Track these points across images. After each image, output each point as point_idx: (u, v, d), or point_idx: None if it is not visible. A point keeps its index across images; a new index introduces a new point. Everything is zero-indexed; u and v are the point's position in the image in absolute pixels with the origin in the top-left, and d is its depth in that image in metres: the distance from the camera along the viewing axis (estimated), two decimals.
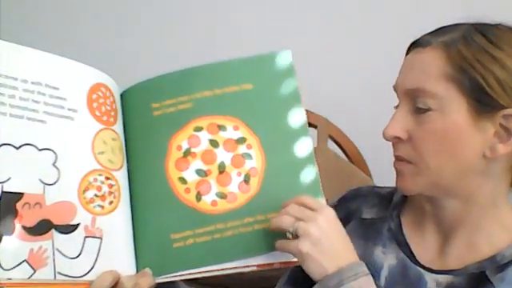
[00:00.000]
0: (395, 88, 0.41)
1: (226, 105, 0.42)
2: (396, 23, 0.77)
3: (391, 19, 0.82)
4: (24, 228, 0.33)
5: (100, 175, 0.38)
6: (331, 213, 0.37)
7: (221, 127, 0.41)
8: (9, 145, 0.34)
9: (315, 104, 0.71)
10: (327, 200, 0.41)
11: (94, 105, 0.39)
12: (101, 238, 0.36)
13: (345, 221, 0.43)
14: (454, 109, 0.37)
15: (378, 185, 0.54)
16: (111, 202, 0.38)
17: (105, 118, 0.40)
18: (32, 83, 0.36)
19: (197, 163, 0.40)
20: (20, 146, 0.35)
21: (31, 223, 0.33)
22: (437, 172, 0.39)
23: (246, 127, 0.42)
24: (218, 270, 0.39)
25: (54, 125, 0.36)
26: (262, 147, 0.41)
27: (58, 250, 0.34)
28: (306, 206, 0.37)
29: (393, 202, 0.46)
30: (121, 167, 0.40)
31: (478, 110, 0.37)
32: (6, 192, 0.33)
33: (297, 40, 0.81)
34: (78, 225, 0.35)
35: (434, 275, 0.40)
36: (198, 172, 0.40)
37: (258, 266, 0.39)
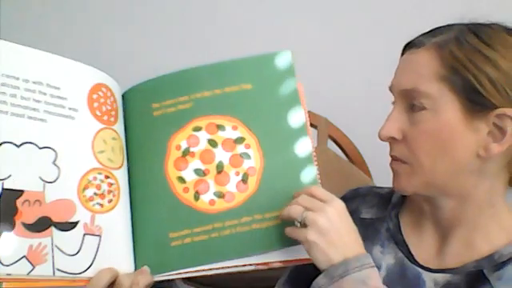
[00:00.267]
0: (390, 88, 0.42)
1: (225, 105, 0.42)
2: (396, 23, 0.77)
3: (391, 19, 0.82)
4: (24, 225, 0.33)
5: (100, 174, 0.38)
6: (340, 204, 0.37)
7: (220, 127, 0.42)
8: (10, 143, 0.35)
9: (315, 104, 0.71)
10: None
11: (95, 104, 0.40)
12: (100, 236, 0.37)
13: None
14: (448, 109, 0.38)
15: (378, 185, 0.54)
16: (110, 201, 0.38)
17: (105, 118, 0.40)
18: (33, 83, 0.37)
19: (195, 163, 0.41)
20: (21, 144, 0.35)
21: (31, 220, 0.34)
22: (431, 172, 0.39)
23: (244, 127, 0.42)
24: (216, 269, 0.39)
25: (54, 124, 0.37)
26: (260, 147, 0.41)
27: (57, 246, 0.34)
28: (316, 197, 0.37)
29: (392, 202, 0.47)
30: (121, 166, 0.40)
31: (471, 109, 0.37)
32: (6, 189, 0.33)
33: (297, 40, 0.82)
34: (77, 222, 0.36)
35: (432, 274, 0.40)
36: (197, 171, 0.41)
37: (255, 265, 0.39)
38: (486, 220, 0.40)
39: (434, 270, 0.40)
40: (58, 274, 0.34)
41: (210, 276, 0.40)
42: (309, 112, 0.75)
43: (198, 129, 0.42)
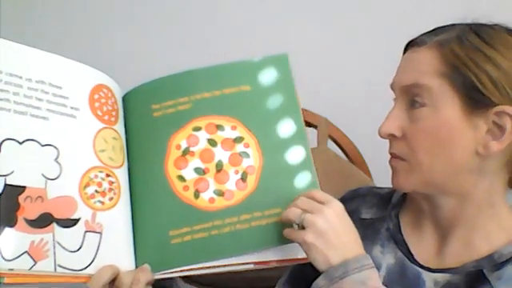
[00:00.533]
0: (392, 86, 0.42)
1: (224, 105, 0.43)
2: (396, 23, 0.77)
3: (391, 19, 0.82)
4: (25, 220, 0.34)
5: (101, 172, 0.39)
6: (339, 205, 0.37)
7: (219, 127, 0.42)
8: (12, 140, 0.35)
9: (315, 104, 0.72)
10: None
11: (96, 104, 0.40)
12: (101, 233, 0.37)
13: None
14: (447, 106, 0.38)
15: (378, 185, 0.54)
16: (111, 199, 0.39)
17: (106, 118, 0.41)
18: (36, 82, 0.37)
19: (195, 162, 0.41)
20: (23, 141, 0.36)
21: (33, 216, 0.34)
22: (429, 169, 0.39)
23: (243, 127, 0.42)
24: (215, 267, 0.39)
25: (56, 122, 0.38)
26: (259, 146, 0.42)
27: (58, 243, 0.35)
28: (315, 198, 0.38)
29: (392, 203, 0.47)
30: (121, 165, 0.41)
31: (471, 107, 0.37)
32: (8, 185, 0.34)
33: (297, 40, 0.82)
34: (78, 219, 0.36)
35: (431, 274, 0.40)
36: (197, 170, 0.41)
37: (255, 263, 0.40)
38: (486, 220, 0.40)
39: (433, 269, 0.40)
40: (59, 270, 0.34)
41: (210, 275, 0.40)
42: (309, 112, 0.75)
43: (197, 129, 0.42)
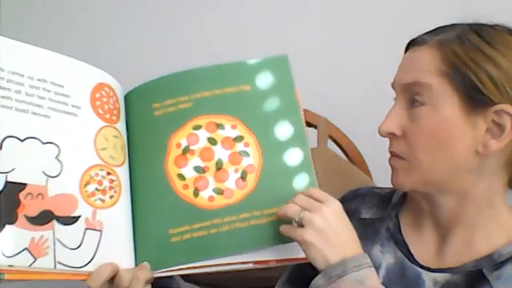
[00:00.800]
0: (393, 85, 0.42)
1: (224, 104, 0.43)
2: (396, 23, 0.77)
3: (391, 19, 0.82)
4: (26, 217, 0.34)
5: (101, 170, 0.39)
6: (337, 205, 0.37)
7: (219, 126, 0.42)
8: (14, 137, 0.35)
9: (315, 104, 0.72)
10: None
11: (97, 103, 0.40)
12: (101, 231, 0.37)
13: None
14: (447, 104, 0.38)
15: (378, 185, 0.54)
16: (112, 197, 0.39)
17: (107, 116, 0.41)
18: (38, 80, 0.38)
19: (195, 160, 0.41)
20: (24, 139, 0.36)
21: (33, 213, 0.34)
22: (429, 168, 0.39)
23: (243, 126, 0.42)
24: (215, 266, 0.39)
25: (57, 120, 0.38)
26: (259, 145, 0.42)
27: (58, 240, 0.35)
28: (313, 197, 0.38)
29: (392, 203, 0.47)
30: (122, 164, 0.41)
31: (471, 106, 0.37)
32: (9, 182, 0.34)
33: (297, 40, 0.82)
34: (78, 217, 0.36)
35: (431, 274, 0.40)
36: (196, 169, 0.41)
37: (254, 262, 0.40)
38: (486, 219, 0.40)
39: (433, 269, 0.40)
40: (59, 267, 0.35)
41: (210, 274, 0.40)
42: (309, 112, 0.76)
43: (197, 127, 0.42)
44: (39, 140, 0.37)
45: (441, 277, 0.40)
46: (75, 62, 0.40)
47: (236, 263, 0.39)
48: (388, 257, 0.43)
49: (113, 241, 0.38)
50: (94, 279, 0.36)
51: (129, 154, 0.42)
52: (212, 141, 0.42)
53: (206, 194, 0.40)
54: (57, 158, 0.37)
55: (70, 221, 0.36)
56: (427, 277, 0.40)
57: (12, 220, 0.33)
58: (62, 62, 0.40)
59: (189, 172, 0.41)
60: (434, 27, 0.41)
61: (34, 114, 0.37)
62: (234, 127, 0.42)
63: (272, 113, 0.43)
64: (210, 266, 0.39)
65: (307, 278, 0.37)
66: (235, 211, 0.40)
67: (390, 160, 0.42)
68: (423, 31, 0.41)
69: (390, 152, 0.42)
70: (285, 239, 0.39)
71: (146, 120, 0.43)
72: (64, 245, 0.35)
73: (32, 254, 0.34)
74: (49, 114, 0.37)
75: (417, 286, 0.40)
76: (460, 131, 0.38)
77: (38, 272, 0.34)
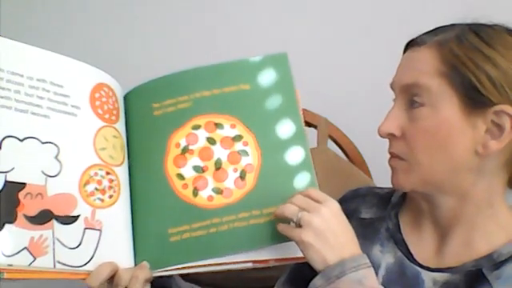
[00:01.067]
0: (392, 86, 0.42)
1: (223, 104, 0.43)
2: (396, 23, 0.77)
3: (391, 19, 0.82)
4: (25, 217, 0.34)
5: (101, 170, 0.39)
6: (335, 205, 0.37)
7: (218, 125, 0.42)
8: (13, 137, 0.36)
9: (315, 104, 0.72)
10: None
11: (97, 103, 0.41)
12: (100, 231, 0.37)
13: None
14: (446, 105, 0.38)
15: (378, 185, 0.54)
16: (111, 196, 0.39)
17: (107, 116, 0.41)
18: (37, 80, 0.38)
19: (194, 160, 0.41)
20: (24, 139, 0.36)
21: (32, 212, 0.35)
22: (429, 169, 0.39)
23: (242, 125, 0.42)
24: (214, 265, 0.39)
25: (57, 120, 0.38)
26: (258, 144, 0.42)
27: (57, 239, 0.35)
28: (311, 197, 0.38)
29: (391, 202, 0.47)
30: (121, 163, 0.41)
31: (470, 106, 0.37)
32: (9, 181, 0.34)
33: (297, 40, 0.82)
34: (78, 216, 0.37)
35: (431, 273, 0.40)
36: (196, 168, 0.41)
37: (253, 262, 0.40)
38: (485, 219, 0.40)
39: (433, 269, 0.40)
40: (58, 266, 0.35)
41: (210, 273, 0.40)
42: (309, 112, 0.75)
43: (197, 127, 0.42)
44: (38, 140, 0.37)
45: (440, 276, 0.40)
46: (74, 62, 0.41)
47: (235, 262, 0.39)
48: (388, 256, 0.43)
49: (112, 240, 0.38)
50: (94, 278, 0.36)
51: (128, 154, 0.42)
52: (211, 140, 0.42)
53: (205, 193, 0.40)
54: (56, 157, 0.37)
55: (69, 220, 0.36)
56: (427, 276, 0.40)
57: (11, 219, 0.34)
58: (61, 62, 0.40)
59: (188, 172, 0.41)
60: (433, 27, 0.41)
61: (34, 113, 0.37)
62: (233, 126, 0.42)
63: (272, 111, 0.43)
64: (210, 265, 0.39)
65: (307, 278, 0.37)
66: (234, 211, 0.40)
67: (389, 161, 0.42)
68: (423, 31, 0.41)
69: (390, 153, 0.42)
70: (284, 238, 0.39)
71: (145, 120, 0.43)
72: (63, 244, 0.35)
73: (31, 254, 0.34)
74: (48, 113, 0.38)
75: (416, 286, 0.40)
76: (460, 132, 0.38)
77: (38, 271, 0.34)
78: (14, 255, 0.33)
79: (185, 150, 0.42)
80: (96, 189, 0.38)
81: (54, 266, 0.34)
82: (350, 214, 0.48)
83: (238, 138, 0.42)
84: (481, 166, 0.38)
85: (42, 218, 0.35)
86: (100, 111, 0.41)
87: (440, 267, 0.40)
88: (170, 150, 0.42)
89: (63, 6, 0.89)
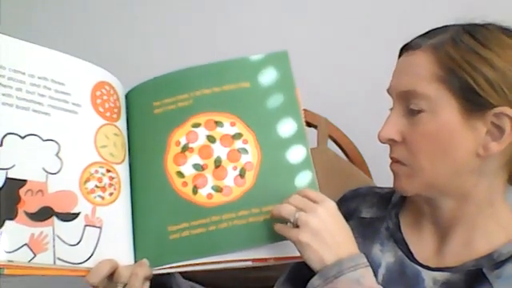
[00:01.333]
0: (388, 91, 0.42)
1: (223, 102, 0.43)
2: (396, 23, 0.77)
3: (391, 19, 0.82)
4: (26, 213, 0.34)
5: (101, 167, 0.39)
6: (332, 205, 0.37)
7: (218, 123, 0.43)
8: (14, 134, 0.36)
9: (315, 104, 0.72)
10: None
11: (98, 101, 0.41)
12: (100, 228, 0.38)
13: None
14: (446, 109, 0.38)
15: (378, 185, 0.54)
16: (111, 194, 0.39)
17: (108, 114, 0.41)
18: (38, 78, 0.38)
19: (194, 158, 0.41)
20: (25, 136, 0.36)
21: (33, 209, 0.35)
22: (431, 173, 0.39)
23: (242, 123, 0.43)
24: (213, 263, 0.39)
25: (58, 117, 0.38)
26: (257, 143, 0.42)
27: (58, 236, 0.35)
28: (308, 197, 0.38)
29: (392, 202, 0.47)
30: (122, 161, 0.41)
31: (469, 109, 0.37)
32: (10, 178, 0.34)
33: (297, 40, 0.82)
34: (78, 213, 0.37)
35: (431, 273, 0.40)
36: (195, 166, 0.41)
37: (252, 260, 0.40)
38: (485, 219, 0.40)
39: (433, 268, 0.40)
40: (58, 262, 0.35)
41: (209, 272, 0.40)
42: (309, 112, 0.75)
43: (196, 125, 0.42)
44: (39, 137, 0.37)
45: (440, 276, 0.40)
46: (76, 60, 0.41)
47: (235, 261, 0.39)
48: (388, 256, 0.43)
49: (112, 237, 0.38)
50: (93, 275, 0.36)
51: (129, 152, 0.42)
52: (211, 138, 0.42)
53: (204, 191, 0.41)
54: (57, 155, 0.37)
55: (69, 217, 0.36)
56: (427, 275, 0.40)
57: (12, 216, 0.34)
58: (62, 60, 0.40)
59: (188, 169, 0.41)
60: (434, 27, 0.41)
61: (35, 111, 0.37)
62: (232, 124, 0.43)
63: (272, 109, 0.43)
64: (209, 263, 0.39)
65: (306, 278, 0.36)
66: (234, 209, 0.40)
67: (391, 165, 0.42)
68: (423, 31, 0.41)
69: (391, 158, 0.42)
70: (283, 237, 0.39)
71: (146, 118, 0.43)
72: (63, 241, 0.36)
73: (32, 250, 0.34)
74: (49, 111, 0.38)
75: (416, 285, 0.40)
76: (460, 135, 0.38)
77: (38, 268, 0.34)
78: (14, 251, 0.33)
79: (185, 148, 0.42)
80: (96, 186, 0.38)
81: (54, 262, 0.35)
82: (351, 213, 0.49)
83: (237, 136, 0.42)
84: (482, 167, 0.38)
85: (43, 214, 0.35)
86: (101, 109, 0.41)
87: (440, 266, 0.40)
88: (170, 148, 0.42)
89: (63, 6, 0.89)
